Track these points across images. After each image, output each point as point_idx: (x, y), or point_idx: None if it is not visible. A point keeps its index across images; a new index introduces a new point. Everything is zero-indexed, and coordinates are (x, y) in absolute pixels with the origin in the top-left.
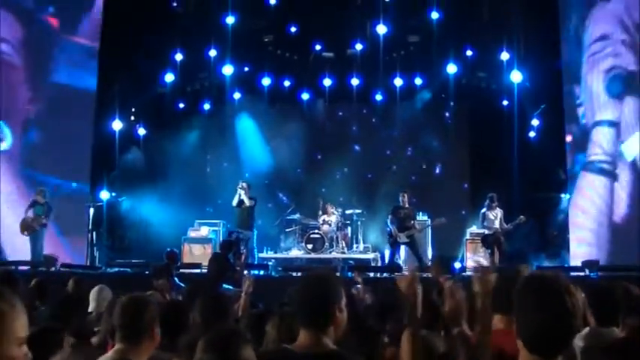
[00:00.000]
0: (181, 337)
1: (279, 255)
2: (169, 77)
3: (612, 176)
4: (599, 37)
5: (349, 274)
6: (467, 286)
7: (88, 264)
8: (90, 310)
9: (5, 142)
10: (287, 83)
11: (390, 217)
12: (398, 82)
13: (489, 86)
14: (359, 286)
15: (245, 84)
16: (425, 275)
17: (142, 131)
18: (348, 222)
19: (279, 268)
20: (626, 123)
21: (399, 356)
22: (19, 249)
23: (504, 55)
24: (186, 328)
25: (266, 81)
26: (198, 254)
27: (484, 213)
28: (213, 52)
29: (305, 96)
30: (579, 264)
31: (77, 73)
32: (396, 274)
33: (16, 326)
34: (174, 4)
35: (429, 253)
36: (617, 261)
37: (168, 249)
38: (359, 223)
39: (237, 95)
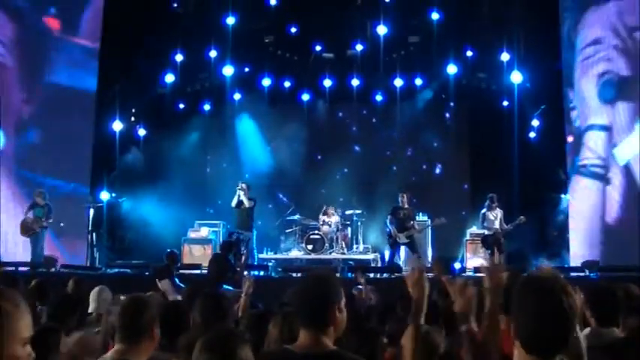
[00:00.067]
0: (181, 338)
1: (279, 256)
2: (170, 78)
3: (605, 180)
4: (591, 41)
5: (349, 274)
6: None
7: (88, 265)
8: (90, 310)
9: None
10: (287, 84)
11: (389, 217)
12: (398, 82)
13: (489, 87)
14: (361, 286)
15: (245, 84)
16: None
17: (142, 132)
18: (348, 222)
19: (279, 269)
20: (618, 127)
21: (398, 356)
22: (11, 250)
23: (504, 56)
24: (186, 329)
25: (266, 81)
26: (198, 255)
27: (484, 213)
28: (213, 53)
29: (305, 96)
30: (579, 264)
31: (77, 73)
32: (397, 274)
33: (21, 326)
34: (175, 5)
35: (429, 254)
36: (611, 262)
37: (169, 250)
38: (359, 223)
39: (237, 96)
